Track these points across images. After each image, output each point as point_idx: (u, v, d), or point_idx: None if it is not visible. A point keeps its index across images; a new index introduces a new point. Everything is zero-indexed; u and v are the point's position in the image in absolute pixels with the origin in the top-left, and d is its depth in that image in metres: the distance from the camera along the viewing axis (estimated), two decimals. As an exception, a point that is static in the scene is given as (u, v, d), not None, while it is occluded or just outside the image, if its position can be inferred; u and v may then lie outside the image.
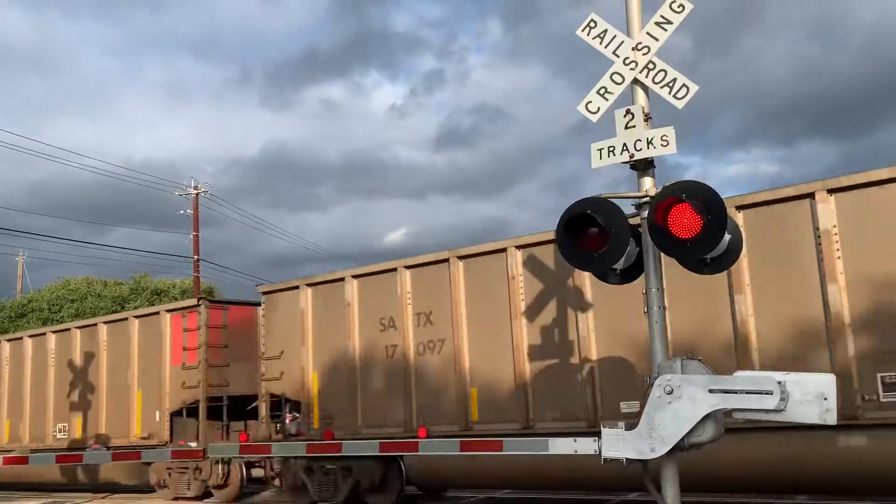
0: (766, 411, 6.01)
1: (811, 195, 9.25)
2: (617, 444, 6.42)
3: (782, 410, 5.99)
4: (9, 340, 19.02)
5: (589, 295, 10.62)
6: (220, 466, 14.24)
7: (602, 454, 6.49)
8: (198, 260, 35.88)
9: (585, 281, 10.59)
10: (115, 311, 32.05)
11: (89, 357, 16.60)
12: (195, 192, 36.73)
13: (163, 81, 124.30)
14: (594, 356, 10.50)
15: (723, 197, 6.11)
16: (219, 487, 14.56)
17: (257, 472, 14.46)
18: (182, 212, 36.97)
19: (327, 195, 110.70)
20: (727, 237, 6.40)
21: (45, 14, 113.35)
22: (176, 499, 14.92)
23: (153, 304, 29.86)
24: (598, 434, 6.57)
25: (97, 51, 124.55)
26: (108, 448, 15.35)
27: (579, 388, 10.54)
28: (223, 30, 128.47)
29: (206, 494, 14.77)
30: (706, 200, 6.02)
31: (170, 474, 15.00)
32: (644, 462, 6.42)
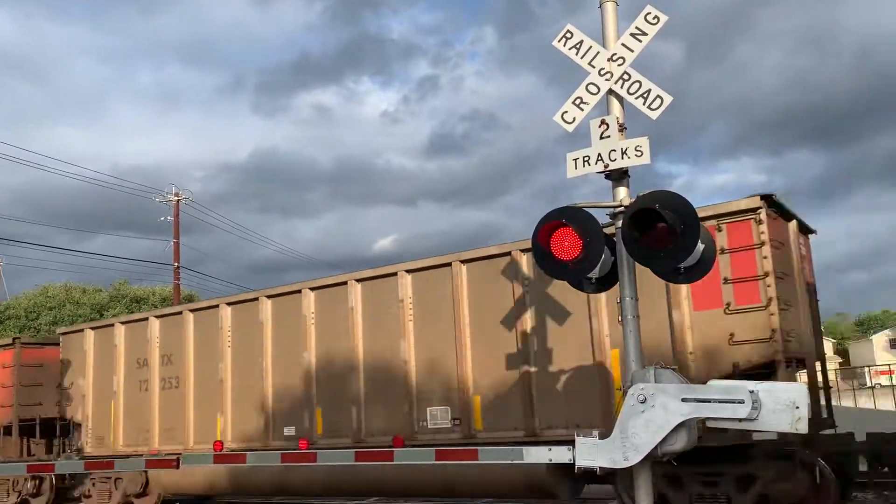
0: (739, 420, 6.06)
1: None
2: (591, 453, 6.43)
3: (754, 419, 6.05)
4: None
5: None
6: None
7: (576, 463, 6.50)
8: (178, 267, 35.60)
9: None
10: (94, 319, 31.75)
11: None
12: (176, 198, 36.49)
13: (154, 87, 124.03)
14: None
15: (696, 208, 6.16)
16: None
17: None
18: (163, 218, 36.75)
19: (318, 201, 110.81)
20: (700, 246, 6.46)
21: (34, 18, 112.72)
22: None
23: (133, 312, 29.58)
24: (571, 443, 6.58)
25: (88, 56, 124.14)
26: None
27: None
28: (216, 36, 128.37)
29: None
30: (679, 211, 6.07)
31: (93, 484, 15.39)
32: (615, 472, 6.44)
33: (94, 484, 15.47)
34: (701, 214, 10.67)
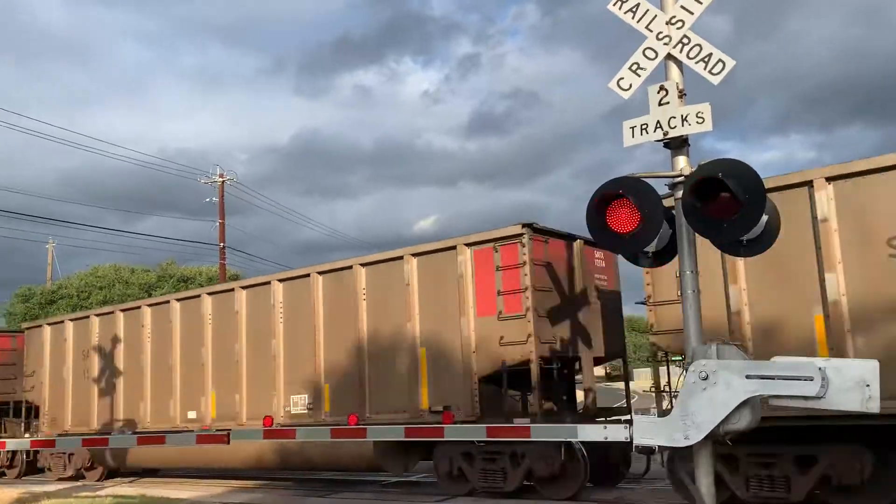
0: (806, 398, 5.79)
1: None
2: (649, 431, 6.24)
3: (822, 398, 5.78)
4: None
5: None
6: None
7: (634, 441, 6.32)
8: (223, 248, 35.99)
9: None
10: (142, 297, 32.26)
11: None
12: (221, 180, 36.80)
13: (197, 70, 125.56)
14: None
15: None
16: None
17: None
18: (208, 200, 37.12)
19: (359, 183, 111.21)
20: (764, 218, 6.17)
21: (82, 4, 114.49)
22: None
23: (180, 291, 29.99)
24: (629, 421, 6.39)
25: (133, 40, 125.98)
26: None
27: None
28: (257, 17, 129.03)
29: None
30: (744, 180, 5.78)
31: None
32: (674, 450, 6.24)
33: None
34: (478, 238, 12.66)
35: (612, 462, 12.52)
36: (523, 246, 11.66)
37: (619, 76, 6.72)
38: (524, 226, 11.64)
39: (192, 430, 14.65)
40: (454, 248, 12.49)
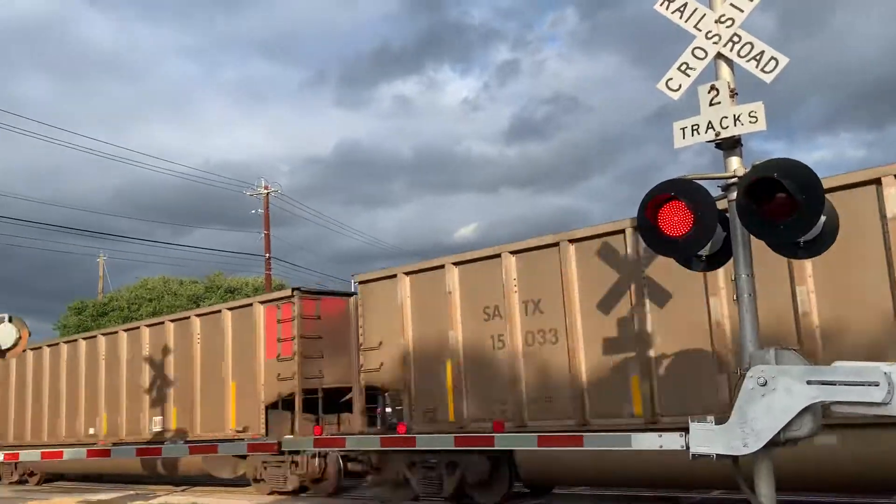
0: (871, 405, 5.60)
1: None
2: (706, 440, 6.09)
3: (888, 404, 5.57)
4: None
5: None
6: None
7: (690, 450, 6.17)
8: (269, 258, 36.42)
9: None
10: (190, 308, 32.76)
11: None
12: (265, 191, 37.28)
13: (240, 83, 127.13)
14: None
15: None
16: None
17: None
18: (254, 211, 37.63)
19: (399, 191, 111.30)
20: (822, 219, 5.99)
21: (127, 21, 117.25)
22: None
23: (227, 301, 30.35)
24: (685, 429, 6.24)
25: (177, 56, 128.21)
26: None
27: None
28: (298, 29, 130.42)
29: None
30: (801, 179, 5.63)
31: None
32: (735, 458, 6.07)
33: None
34: (265, 298, 15.82)
35: None
36: (293, 304, 14.73)
37: (667, 77, 6.61)
38: (294, 290, 15.26)
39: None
40: (251, 305, 15.82)
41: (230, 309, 16.15)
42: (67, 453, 12.71)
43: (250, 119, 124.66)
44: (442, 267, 12.57)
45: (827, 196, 5.86)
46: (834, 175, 8.81)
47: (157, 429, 16.94)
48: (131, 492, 17.16)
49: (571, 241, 11.17)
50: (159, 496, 16.05)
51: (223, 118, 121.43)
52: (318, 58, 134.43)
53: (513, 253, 11.79)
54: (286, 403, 14.61)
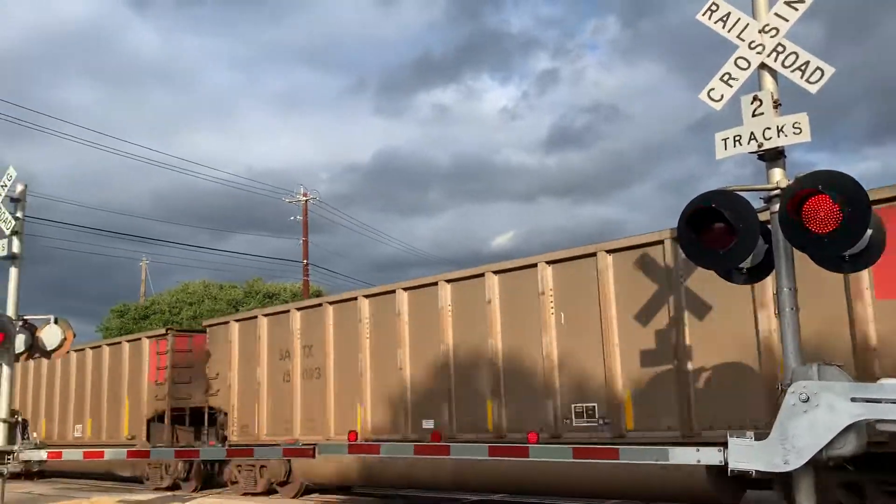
0: (918, 423, 5.46)
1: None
2: (745, 456, 5.98)
3: (936, 423, 5.43)
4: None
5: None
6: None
7: (729, 466, 6.06)
8: (307, 264, 36.75)
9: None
10: (230, 313, 33.15)
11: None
12: (304, 198, 37.65)
13: (282, 92, 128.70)
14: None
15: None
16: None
17: None
18: (292, 218, 38.03)
19: (436, 199, 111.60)
20: (868, 232, 5.86)
21: (174, 31, 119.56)
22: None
23: (265, 306, 30.65)
24: (724, 444, 6.14)
25: (220, 64, 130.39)
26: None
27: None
28: (340, 38, 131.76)
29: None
30: (846, 191, 5.52)
31: (240, 471, 16.22)
32: (776, 475, 5.96)
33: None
34: (153, 334, 20.08)
35: None
36: (168, 340, 18.90)
37: (709, 87, 6.54)
38: (168, 329, 19.58)
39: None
40: (140, 339, 20.05)
41: (128, 342, 20.51)
42: (108, 453, 12.72)
43: (291, 127, 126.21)
44: (278, 313, 16.26)
45: (874, 208, 5.74)
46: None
47: (78, 434, 21.27)
48: (168, 493, 17.39)
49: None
50: (196, 497, 16.25)
51: (265, 126, 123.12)
52: (359, 65, 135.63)
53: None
54: (161, 418, 18.77)
